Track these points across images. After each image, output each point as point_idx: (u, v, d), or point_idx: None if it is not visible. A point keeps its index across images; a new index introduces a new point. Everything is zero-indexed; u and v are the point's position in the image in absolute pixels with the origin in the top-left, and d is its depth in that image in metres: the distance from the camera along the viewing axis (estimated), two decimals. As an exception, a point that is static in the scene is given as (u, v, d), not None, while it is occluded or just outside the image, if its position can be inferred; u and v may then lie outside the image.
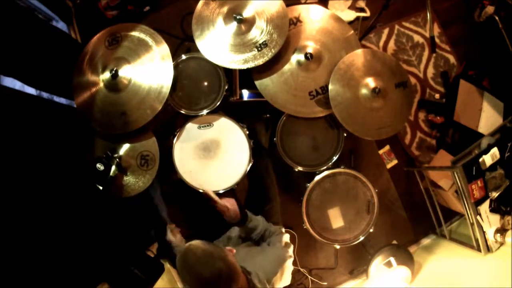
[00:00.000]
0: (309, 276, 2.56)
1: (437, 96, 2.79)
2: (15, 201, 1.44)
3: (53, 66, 1.90)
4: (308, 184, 2.08)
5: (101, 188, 1.70)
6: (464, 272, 2.14)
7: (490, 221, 2.12)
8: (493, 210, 2.13)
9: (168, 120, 2.36)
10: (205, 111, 1.99)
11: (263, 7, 1.83)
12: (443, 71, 2.81)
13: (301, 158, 2.11)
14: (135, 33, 1.86)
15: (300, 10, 2.00)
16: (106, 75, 1.80)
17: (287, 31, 1.83)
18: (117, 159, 1.83)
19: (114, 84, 1.79)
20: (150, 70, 1.81)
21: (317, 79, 1.97)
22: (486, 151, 2.08)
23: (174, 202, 2.39)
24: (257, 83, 1.95)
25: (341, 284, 2.65)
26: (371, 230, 2.10)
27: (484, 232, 2.10)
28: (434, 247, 2.56)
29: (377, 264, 2.33)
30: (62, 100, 2.19)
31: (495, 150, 2.09)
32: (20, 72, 1.76)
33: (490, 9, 2.59)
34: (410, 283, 2.25)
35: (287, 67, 1.96)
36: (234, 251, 1.29)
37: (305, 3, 2.65)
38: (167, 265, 2.31)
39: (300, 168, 2.08)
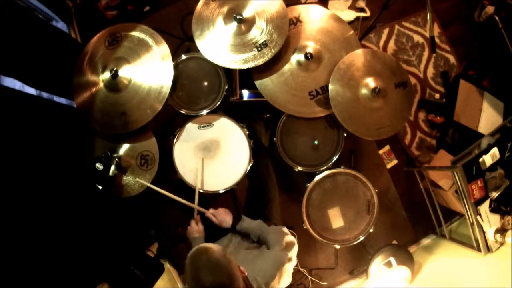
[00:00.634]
0: (309, 276, 2.56)
1: (437, 96, 2.79)
2: (15, 201, 1.44)
3: (53, 66, 1.90)
4: (308, 184, 2.08)
5: (100, 187, 1.70)
6: (464, 272, 2.14)
7: (490, 221, 2.12)
8: (493, 210, 2.13)
9: (168, 120, 2.36)
10: (205, 111, 1.99)
11: (263, 7, 1.83)
12: (443, 71, 2.81)
13: (301, 158, 2.11)
14: (135, 33, 1.86)
15: (300, 10, 2.00)
16: (106, 75, 1.80)
17: (287, 31, 1.83)
18: (117, 159, 1.83)
19: (114, 84, 1.80)
20: (150, 70, 1.81)
21: (317, 79, 1.97)
22: (486, 151, 2.08)
23: (174, 202, 2.39)
24: (257, 83, 1.95)
25: (341, 284, 2.65)
26: (371, 230, 2.10)
27: (484, 232, 2.10)
28: (434, 247, 2.56)
29: (377, 264, 2.33)
30: (62, 100, 2.19)
31: (495, 150, 2.09)
32: (20, 72, 1.76)
33: (490, 9, 2.59)
34: (410, 283, 2.25)
35: (287, 67, 1.96)
36: (246, 273, 1.29)
37: (305, 3, 2.65)
38: (167, 265, 2.31)
39: (300, 168, 2.08)
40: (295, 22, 1.99)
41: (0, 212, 1.37)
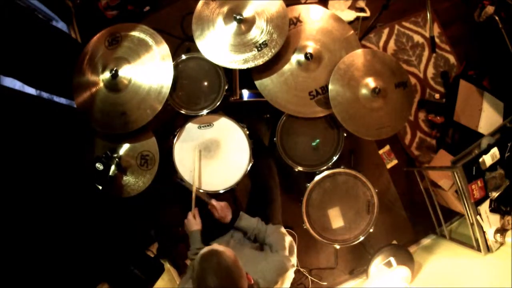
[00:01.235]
0: (309, 276, 2.56)
1: (437, 96, 2.79)
2: (15, 201, 1.44)
3: (53, 66, 1.90)
4: (308, 184, 2.08)
5: (100, 188, 1.70)
6: (464, 272, 2.14)
7: (490, 221, 2.12)
8: (493, 210, 2.13)
9: (168, 120, 2.36)
10: (205, 111, 1.99)
11: (263, 7, 1.83)
12: (443, 71, 2.81)
13: (301, 158, 2.11)
14: (135, 33, 1.86)
15: (300, 10, 2.00)
16: (106, 75, 1.80)
17: (287, 31, 1.83)
18: (117, 159, 1.83)
19: (114, 84, 1.80)
20: (150, 70, 1.81)
21: (317, 79, 1.97)
22: (486, 151, 2.08)
23: (174, 202, 2.39)
24: (257, 83, 1.95)
25: (341, 284, 2.65)
26: (371, 230, 2.10)
27: (484, 232, 2.10)
28: (434, 247, 2.56)
29: (377, 264, 2.33)
30: (62, 100, 2.19)
31: (495, 150, 2.09)
32: (20, 72, 1.76)
33: (490, 9, 2.59)
34: (410, 283, 2.25)
35: (287, 67, 1.96)
36: (252, 281, 1.28)
37: (305, 3, 2.65)
38: (167, 265, 2.31)
39: (300, 168, 2.08)
40: (295, 22, 1.99)
41: (0, 212, 1.37)
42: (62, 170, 1.78)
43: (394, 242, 2.65)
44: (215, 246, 1.23)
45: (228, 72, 1.98)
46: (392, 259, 2.28)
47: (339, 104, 1.93)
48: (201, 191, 1.97)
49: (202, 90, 2.02)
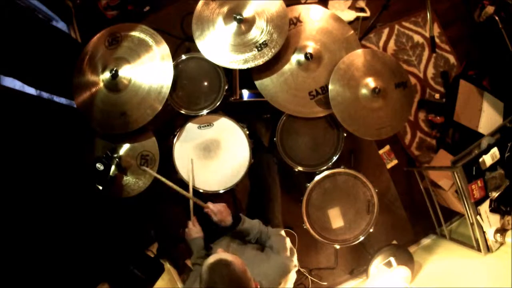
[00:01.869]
0: (309, 276, 2.56)
1: (437, 96, 2.79)
2: (15, 201, 1.44)
3: (53, 66, 1.90)
4: (308, 184, 2.08)
5: (100, 188, 1.70)
6: (464, 272, 2.14)
7: (490, 221, 2.12)
8: (493, 210, 2.13)
9: (168, 120, 2.36)
10: (205, 111, 1.99)
11: (263, 7, 1.83)
12: (443, 71, 2.81)
13: (301, 158, 2.11)
14: (135, 33, 1.86)
15: (300, 10, 2.00)
16: (106, 75, 1.80)
17: (287, 31, 1.83)
18: (117, 159, 1.83)
19: (114, 84, 1.79)
20: (150, 70, 1.81)
21: (317, 79, 1.97)
22: (486, 151, 2.08)
23: (174, 202, 2.39)
24: (257, 83, 1.95)
25: (341, 284, 2.65)
26: (371, 230, 2.10)
27: (484, 232, 2.10)
28: (434, 247, 2.56)
29: (377, 264, 2.33)
30: (62, 100, 2.19)
31: (495, 150, 2.09)
32: (20, 72, 1.76)
33: (490, 9, 2.59)
34: (410, 283, 2.25)
35: (287, 67, 1.96)
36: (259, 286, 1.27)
37: (305, 3, 2.65)
38: (167, 265, 2.31)
39: (300, 168, 2.08)
40: (295, 22, 1.99)
41: (0, 212, 1.37)
42: (62, 170, 1.78)
43: (394, 242, 2.65)
44: (223, 255, 1.21)
45: (228, 72, 1.98)
46: (392, 259, 2.28)
47: (339, 104, 1.93)
48: (200, 191, 1.97)
49: (202, 90, 2.02)
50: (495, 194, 2.12)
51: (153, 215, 2.43)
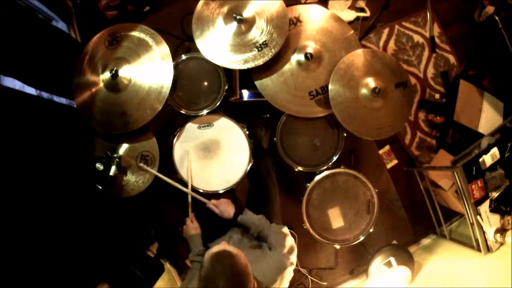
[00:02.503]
0: (309, 276, 2.56)
1: (437, 96, 2.79)
2: (15, 201, 1.44)
3: (53, 66, 1.90)
4: (308, 184, 2.08)
5: (100, 188, 1.70)
6: (464, 272, 2.14)
7: (490, 221, 2.12)
8: (493, 210, 2.13)
9: (168, 120, 2.36)
10: (205, 111, 1.99)
11: (263, 7, 1.83)
12: (443, 71, 2.81)
13: (301, 158, 2.11)
14: (135, 33, 1.86)
15: (300, 10, 2.00)
16: (106, 75, 1.80)
17: (287, 31, 1.83)
18: (117, 159, 1.83)
19: (114, 84, 1.80)
20: (150, 70, 1.81)
21: (317, 79, 1.97)
22: (486, 151, 2.08)
23: (174, 202, 2.39)
24: (257, 83, 1.95)
25: (341, 284, 2.65)
26: (371, 230, 2.10)
27: (484, 232, 2.10)
28: (434, 247, 2.56)
29: (377, 264, 2.33)
30: (62, 100, 2.19)
31: (495, 150, 2.09)
32: (20, 72, 1.76)
33: (490, 9, 2.60)
34: (410, 283, 2.25)
35: (287, 67, 1.96)
36: (256, 285, 1.26)
37: (305, 3, 2.65)
38: (167, 265, 2.31)
39: (300, 168, 2.08)
40: (295, 22, 1.99)
41: (1, 212, 1.37)
42: (62, 170, 1.78)
43: (394, 242, 2.66)
44: (228, 247, 1.20)
45: (228, 72, 1.98)
46: (392, 259, 2.28)
47: (339, 104, 1.93)
48: (200, 191, 1.97)
49: (202, 90, 2.02)
50: (495, 194, 2.12)
51: (153, 215, 2.43)
